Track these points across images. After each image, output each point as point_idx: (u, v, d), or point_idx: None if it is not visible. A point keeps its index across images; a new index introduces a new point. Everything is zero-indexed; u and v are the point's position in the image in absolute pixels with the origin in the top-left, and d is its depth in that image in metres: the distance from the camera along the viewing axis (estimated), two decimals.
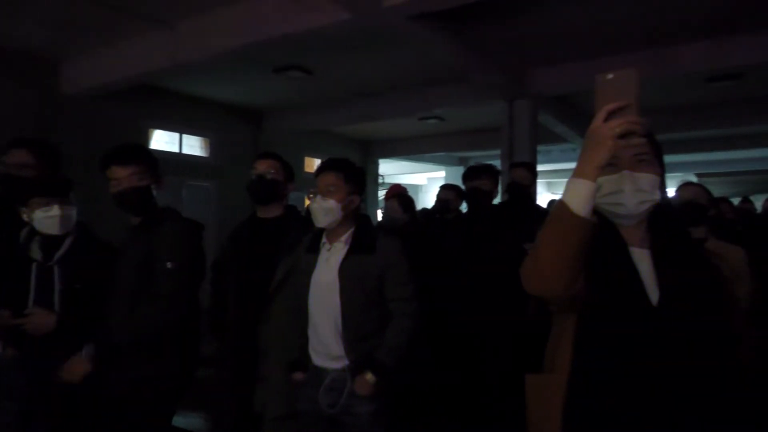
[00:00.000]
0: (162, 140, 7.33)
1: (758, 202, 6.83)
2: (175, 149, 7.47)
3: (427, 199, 15.19)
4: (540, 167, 6.90)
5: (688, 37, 4.96)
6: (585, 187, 1.04)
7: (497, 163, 7.26)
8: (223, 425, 3.53)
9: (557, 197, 1.22)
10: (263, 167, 2.38)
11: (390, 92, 6.96)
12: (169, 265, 2.01)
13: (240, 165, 8.06)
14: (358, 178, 2.11)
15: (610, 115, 1.02)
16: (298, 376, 2.07)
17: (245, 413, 2.29)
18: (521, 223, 2.86)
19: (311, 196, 2.05)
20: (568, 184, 1.07)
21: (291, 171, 2.49)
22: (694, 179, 12.82)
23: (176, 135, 7.49)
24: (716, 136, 9.59)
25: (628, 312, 1.15)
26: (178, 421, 2.40)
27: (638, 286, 1.17)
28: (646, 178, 1.17)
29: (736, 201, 5.71)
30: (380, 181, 11.95)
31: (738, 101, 7.47)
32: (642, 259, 1.20)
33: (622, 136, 1.01)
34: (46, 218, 2.06)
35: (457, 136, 10.03)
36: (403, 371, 2.05)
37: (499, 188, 3.26)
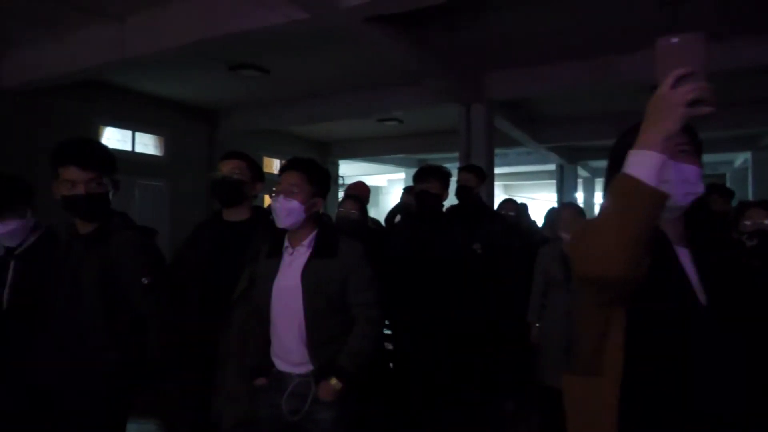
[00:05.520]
0: (113, 138, 7.09)
1: None
2: (128, 147, 7.24)
3: (388, 201, 15.22)
4: (497, 170, 7.01)
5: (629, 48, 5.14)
6: (653, 158, 0.93)
7: (455, 166, 7.38)
8: None
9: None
10: (228, 168, 2.29)
11: (345, 93, 6.93)
12: (145, 280, 1.92)
13: (194, 164, 7.89)
14: (322, 180, 2.05)
15: (679, 81, 0.92)
16: (261, 381, 2.01)
17: (201, 423, 2.20)
18: (469, 224, 2.90)
19: (273, 195, 1.98)
20: (631, 157, 0.95)
21: (259, 170, 2.38)
22: None
23: (128, 133, 7.26)
24: None
25: (680, 312, 1.07)
26: (132, 428, 2.28)
27: (687, 285, 1.10)
28: (691, 170, 1.10)
29: None
30: (340, 182, 11.87)
31: None
32: (684, 257, 1.13)
33: (692, 104, 0.91)
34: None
35: (416, 138, 10.05)
36: (366, 377, 2.01)
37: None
